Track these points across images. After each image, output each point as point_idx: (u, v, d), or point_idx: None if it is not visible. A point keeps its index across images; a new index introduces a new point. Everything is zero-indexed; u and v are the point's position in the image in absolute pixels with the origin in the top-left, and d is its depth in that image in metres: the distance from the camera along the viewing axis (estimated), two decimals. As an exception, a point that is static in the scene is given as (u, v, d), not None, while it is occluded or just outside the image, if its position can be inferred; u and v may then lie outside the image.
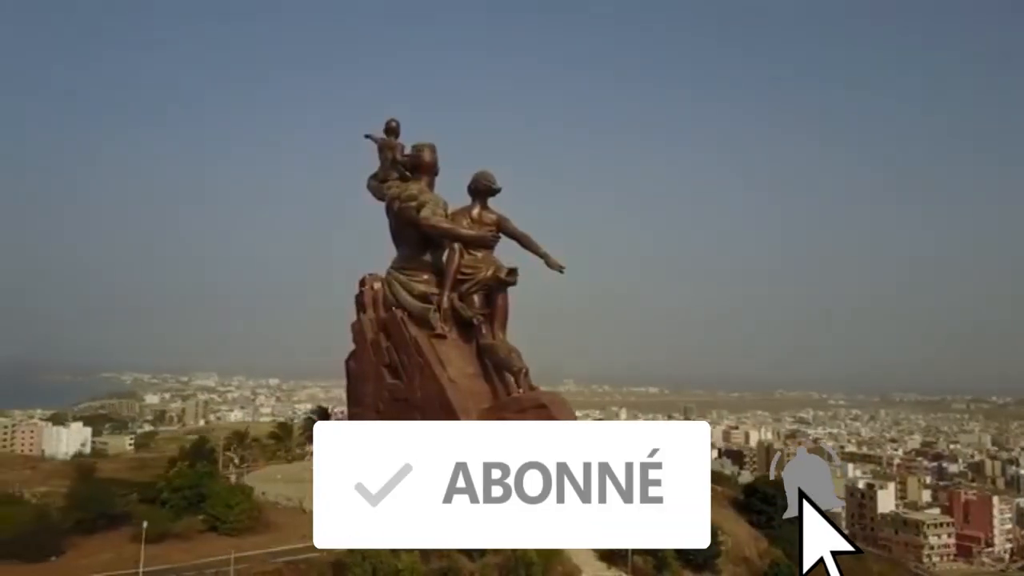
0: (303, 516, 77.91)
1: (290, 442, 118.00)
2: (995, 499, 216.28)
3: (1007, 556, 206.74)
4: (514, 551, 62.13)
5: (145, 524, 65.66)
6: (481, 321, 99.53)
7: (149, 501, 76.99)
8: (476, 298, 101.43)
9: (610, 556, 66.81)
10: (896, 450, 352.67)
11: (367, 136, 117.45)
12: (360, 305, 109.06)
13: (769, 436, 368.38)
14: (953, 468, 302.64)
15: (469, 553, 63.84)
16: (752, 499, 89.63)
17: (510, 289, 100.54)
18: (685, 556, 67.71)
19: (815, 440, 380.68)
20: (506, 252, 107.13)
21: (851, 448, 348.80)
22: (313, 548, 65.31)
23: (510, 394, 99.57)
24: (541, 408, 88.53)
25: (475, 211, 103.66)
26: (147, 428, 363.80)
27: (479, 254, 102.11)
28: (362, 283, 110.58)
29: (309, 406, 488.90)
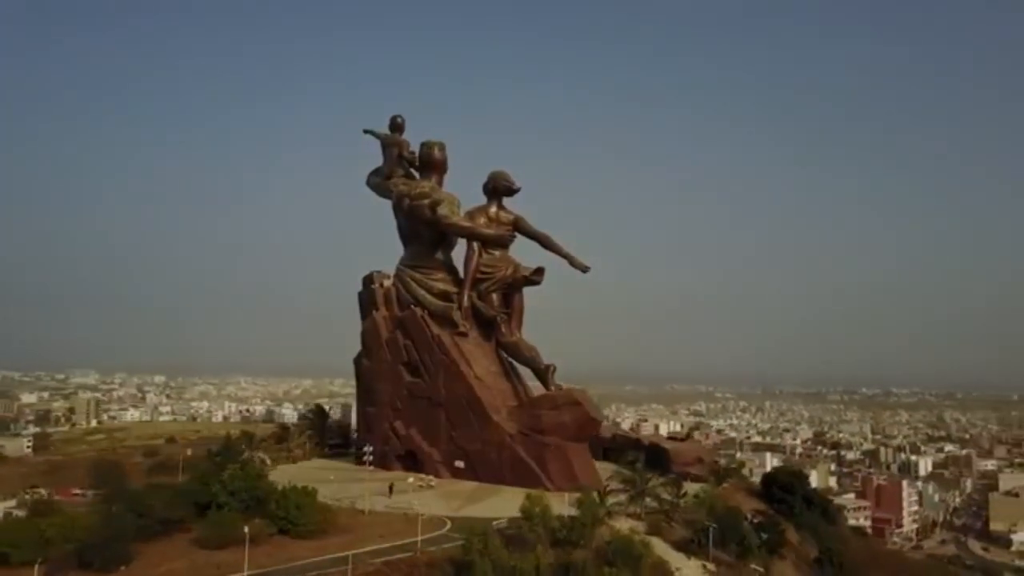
0: (363, 517, 77.70)
1: (290, 443, 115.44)
2: (904, 483, 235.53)
3: (914, 535, 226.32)
4: (616, 539, 64.28)
5: (247, 529, 63.73)
6: (504, 320, 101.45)
7: (204, 507, 74.42)
8: (495, 297, 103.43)
9: (687, 547, 69.89)
10: (794, 440, 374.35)
11: (367, 131, 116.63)
12: (370, 303, 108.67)
13: (678, 428, 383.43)
14: (851, 455, 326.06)
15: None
16: (772, 488, 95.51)
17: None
18: (741, 543, 71.52)
19: (718, 431, 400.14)
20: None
21: (756, 439, 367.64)
22: (403, 548, 66.13)
23: (525, 392, 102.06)
24: (576, 405, 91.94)
25: (492, 210, 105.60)
26: (32, 429, 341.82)
27: (496, 253, 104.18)
28: (369, 281, 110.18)
29: (206, 404, 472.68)
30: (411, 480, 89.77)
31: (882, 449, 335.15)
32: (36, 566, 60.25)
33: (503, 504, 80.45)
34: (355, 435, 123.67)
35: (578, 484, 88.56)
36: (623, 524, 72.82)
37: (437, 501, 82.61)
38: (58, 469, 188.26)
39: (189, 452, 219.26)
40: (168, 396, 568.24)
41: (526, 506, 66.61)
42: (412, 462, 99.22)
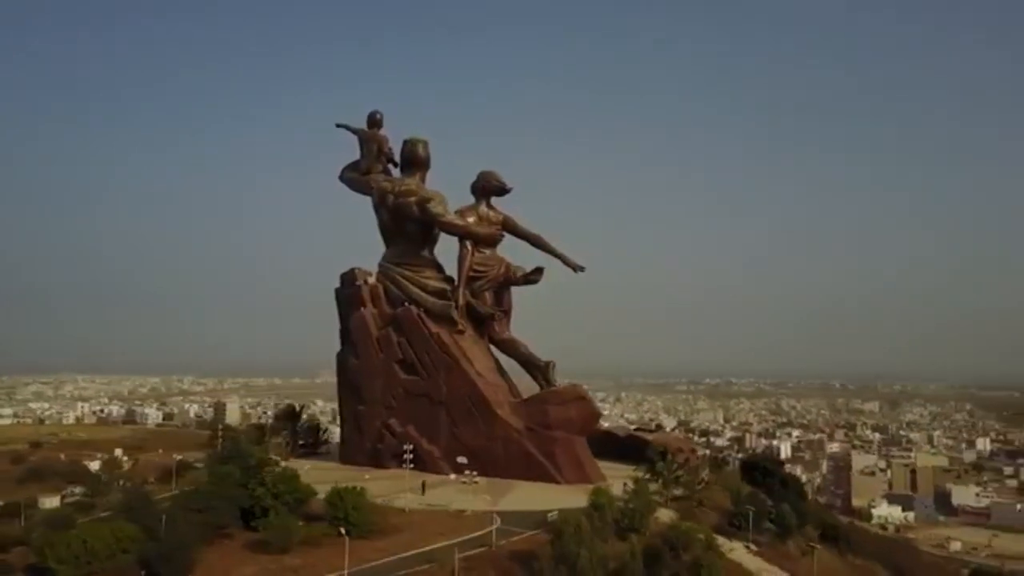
0: (409, 515, 77.61)
1: (267, 443, 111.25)
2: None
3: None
4: (676, 526, 68.44)
5: (344, 530, 62.48)
6: (501, 318, 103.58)
7: (248, 511, 71.83)
8: (488, 295, 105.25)
9: (723, 530, 75.05)
10: (666, 429, 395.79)
11: (340, 126, 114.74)
12: (354, 300, 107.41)
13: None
14: (720, 442, 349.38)
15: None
16: (754, 473, 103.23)
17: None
18: (781, 524, 78.00)
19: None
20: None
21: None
22: (470, 544, 67.33)
23: (515, 388, 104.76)
24: (582, 400, 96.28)
25: (481, 209, 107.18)
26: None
27: (487, 251, 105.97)
28: (352, 278, 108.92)
29: (46, 404, 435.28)
30: (453, 477, 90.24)
31: (746, 435, 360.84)
32: None
33: (531, 498, 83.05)
34: (323, 434, 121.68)
35: (586, 476, 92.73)
36: (662, 513, 77.25)
37: (468, 497, 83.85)
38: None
39: (63, 456, 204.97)
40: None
41: (594, 497, 69.71)
42: (409, 460, 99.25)
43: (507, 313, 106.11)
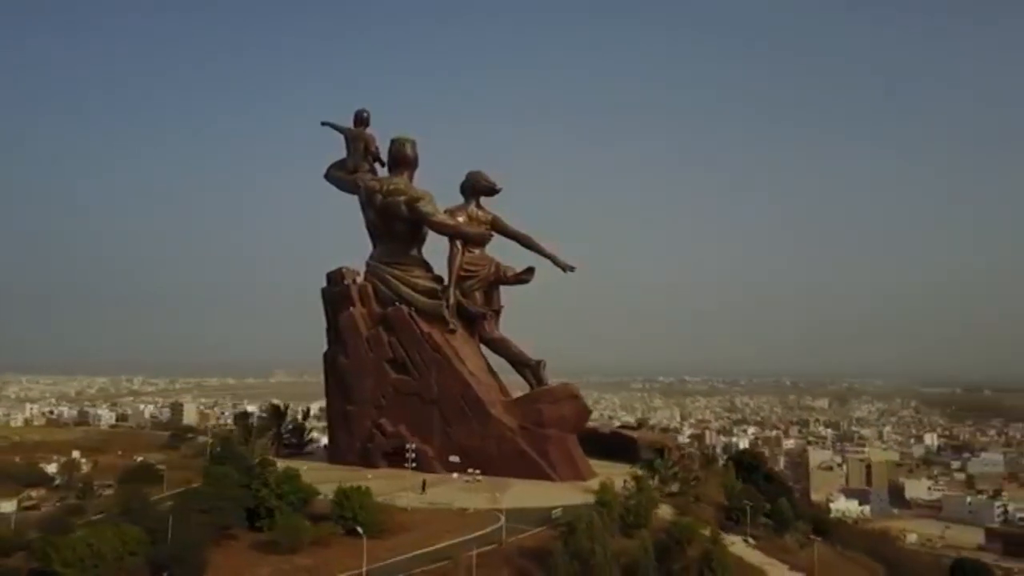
0: (412, 514, 77.77)
1: (253, 443, 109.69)
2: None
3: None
4: (679, 521, 69.88)
5: (359, 529, 62.34)
6: (492, 317, 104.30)
7: (252, 512, 71.21)
8: (478, 295, 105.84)
9: (721, 525, 76.73)
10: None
11: (326, 123, 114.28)
12: (342, 300, 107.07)
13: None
14: (681, 439, 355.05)
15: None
16: (739, 469, 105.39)
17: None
18: (779, 518, 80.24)
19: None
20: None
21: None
22: (479, 541, 67.91)
23: (504, 387, 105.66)
24: (575, 398, 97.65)
25: (471, 209, 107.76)
26: None
27: (476, 251, 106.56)
28: (340, 277, 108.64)
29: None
30: (455, 476, 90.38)
31: (706, 432, 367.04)
32: None
33: (529, 495, 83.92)
34: (307, 434, 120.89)
35: (579, 473, 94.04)
36: (661, 509, 78.82)
37: (468, 495, 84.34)
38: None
39: (17, 459, 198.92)
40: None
41: (600, 494, 70.88)
42: (400, 459, 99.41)
43: (497, 313, 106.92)
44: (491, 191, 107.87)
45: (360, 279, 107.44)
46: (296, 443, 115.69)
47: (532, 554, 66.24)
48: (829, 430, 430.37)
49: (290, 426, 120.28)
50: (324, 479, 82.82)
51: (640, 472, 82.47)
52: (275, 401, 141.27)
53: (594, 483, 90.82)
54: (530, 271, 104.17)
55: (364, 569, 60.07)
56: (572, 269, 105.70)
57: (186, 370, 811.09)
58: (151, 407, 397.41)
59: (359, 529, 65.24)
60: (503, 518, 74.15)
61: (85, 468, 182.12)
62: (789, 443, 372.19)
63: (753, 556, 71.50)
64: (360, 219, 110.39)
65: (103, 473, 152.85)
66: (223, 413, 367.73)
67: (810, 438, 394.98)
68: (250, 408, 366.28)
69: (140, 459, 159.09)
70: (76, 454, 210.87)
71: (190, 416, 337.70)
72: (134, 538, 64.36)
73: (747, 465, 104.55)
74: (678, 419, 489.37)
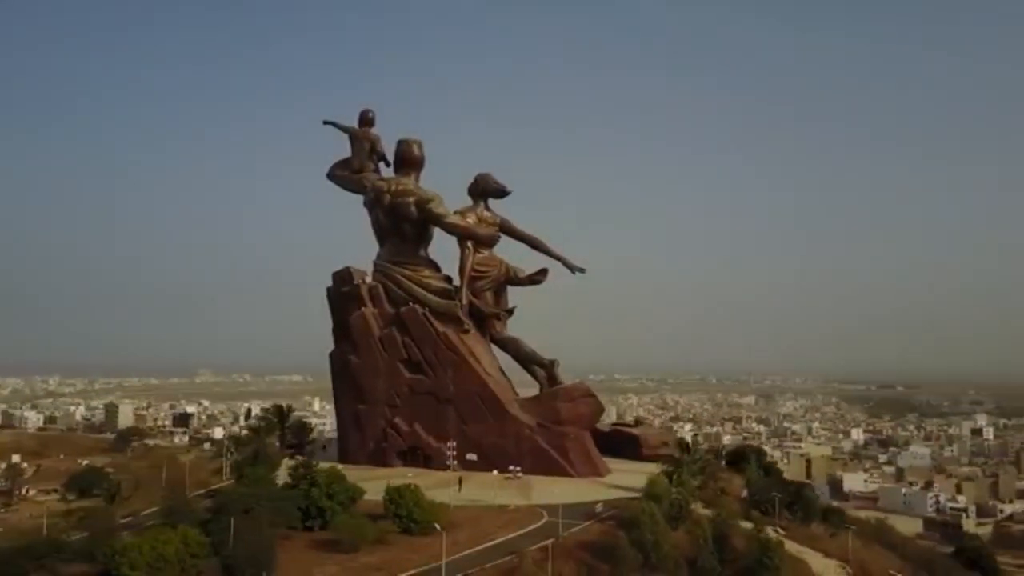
0: (453, 512, 78.36)
1: (259, 444, 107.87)
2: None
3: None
4: (719, 515, 73.10)
5: (440, 527, 63.05)
6: (504, 317, 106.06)
7: (303, 512, 70.89)
8: (488, 295, 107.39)
9: (749, 517, 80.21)
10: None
11: (328, 123, 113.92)
12: (352, 300, 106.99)
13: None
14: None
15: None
16: (740, 463, 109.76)
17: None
18: (808, 508, 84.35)
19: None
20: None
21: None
22: (532, 536, 69.65)
23: (513, 386, 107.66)
24: (591, 397, 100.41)
25: (479, 211, 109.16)
26: None
27: (486, 252, 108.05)
28: (348, 277, 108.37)
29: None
30: (495, 473, 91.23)
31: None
32: None
33: (556, 491, 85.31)
34: (311, 435, 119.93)
35: (596, 469, 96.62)
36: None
37: (503, 493, 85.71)
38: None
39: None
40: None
41: (651, 488, 73.60)
42: (415, 458, 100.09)
43: (510, 313, 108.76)
44: (501, 193, 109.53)
45: (368, 279, 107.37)
46: (297, 443, 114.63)
47: (591, 547, 68.26)
48: (762, 426, 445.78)
49: (293, 426, 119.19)
50: (357, 478, 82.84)
51: (669, 468, 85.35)
52: (279, 402, 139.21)
53: (612, 479, 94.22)
54: (543, 272, 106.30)
55: (443, 562, 60.85)
56: (582, 271, 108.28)
57: (104, 370, 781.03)
58: (81, 408, 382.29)
59: (437, 526, 66.08)
60: (545, 513, 76.09)
61: (29, 472, 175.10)
62: (727, 439, 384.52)
63: (789, 546, 75.03)
64: (361, 219, 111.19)
65: (47, 478, 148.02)
66: (159, 414, 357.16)
67: (745, 435, 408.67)
68: (189, 409, 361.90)
69: (85, 463, 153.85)
70: (16, 458, 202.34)
71: (126, 418, 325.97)
72: (196, 541, 63.88)
73: (747, 459, 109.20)
74: (614, 417, 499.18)
